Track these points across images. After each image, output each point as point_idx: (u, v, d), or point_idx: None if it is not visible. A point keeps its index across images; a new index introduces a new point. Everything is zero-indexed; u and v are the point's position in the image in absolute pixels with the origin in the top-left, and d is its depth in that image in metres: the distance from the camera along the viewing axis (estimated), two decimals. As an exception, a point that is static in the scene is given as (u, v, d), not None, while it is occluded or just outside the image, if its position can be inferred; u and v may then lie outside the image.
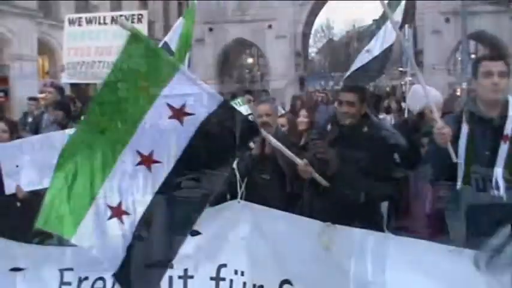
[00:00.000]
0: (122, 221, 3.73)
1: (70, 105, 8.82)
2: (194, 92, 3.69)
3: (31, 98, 11.93)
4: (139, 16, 7.69)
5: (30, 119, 10.36)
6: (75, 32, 7.97)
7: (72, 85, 8.45)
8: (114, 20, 7.79)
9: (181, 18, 8.41)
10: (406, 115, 9.17)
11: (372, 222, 4.38)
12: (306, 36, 45.15)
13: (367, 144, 4.53)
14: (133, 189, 3.74)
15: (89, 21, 7.96)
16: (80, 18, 8.15)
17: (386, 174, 4.52)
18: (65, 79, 7.95)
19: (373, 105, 9.01)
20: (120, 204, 3.73)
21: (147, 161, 3.68)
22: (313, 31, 56.88)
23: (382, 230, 4.10)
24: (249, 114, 5.79)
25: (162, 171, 3.69)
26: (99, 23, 7.88)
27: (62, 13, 30.25)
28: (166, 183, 3.69)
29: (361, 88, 4.97)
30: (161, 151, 3.69)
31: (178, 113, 3.65)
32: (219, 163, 3.74)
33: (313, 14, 44.94)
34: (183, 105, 3.65)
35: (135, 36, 3.74)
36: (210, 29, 41.46)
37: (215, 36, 41.40)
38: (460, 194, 3.82)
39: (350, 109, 4.56)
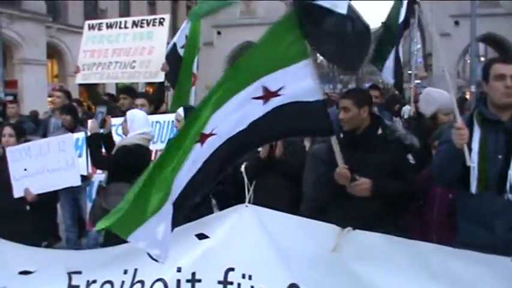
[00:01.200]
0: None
1: (77, 109, 8.86)
2: (302, 82, 3.67)
3: (11, 101, 11.95)
4: (161, 20, 7.76)
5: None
6: (94, 36, 8.01)
7: (83, 85, 8.43)
8: (135, 24, 7.84)
9: (186, 19, 8.43)
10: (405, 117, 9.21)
11: (394, 228, 4.30)
12: (314, 39, 45.12)
13: (383, 146, 4.51)
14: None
15: (110, 26, 8.00)
16: (101, 23, 8.19)
17: (404, 174, 4.48)
18: (79, 80, 7.99)
19: (386, 108, 8.97)
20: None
21: (204, 138, 3.59)
22: (321, 34, 56.85)
23: (405, 236, 4.05)
24: None
25: (215, 144, 3.62)
26: (120, 27, 7.92)
27: (71, 17, 30.53)
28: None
29: (358, 92, 4.99)
30: (223, 127, 3.62)
31: (269, 95, 3.63)
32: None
33: (322, 17, 44.88)
34: (280, 88, 3.64)
35: (293, 13, 3.68)
36: (219, 33, 41.58)
37: (223, 40, 41.52)
38: (473, 198, 3.77)
39: (345, 115, 4.56)
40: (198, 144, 3.55)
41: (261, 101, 3.65)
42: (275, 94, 3.64)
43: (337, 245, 3.69)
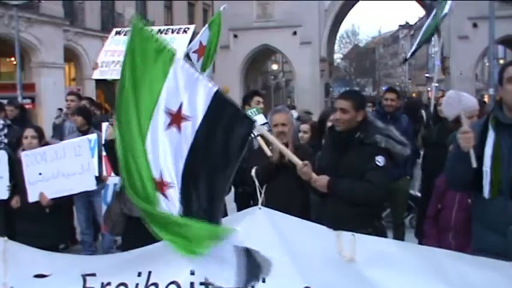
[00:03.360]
0: (166, 196, 3.76)
1: (89, 110, 8.87)
2: (190, 85, 3.68)
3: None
4: (186, 29, 7.94)
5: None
6: (119, 39, 8.21)
7: (100, 83, 8.59)
8: (160, 32, 8.02)
9: (206, 26, 8.47)
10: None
11: (371, 229, 4.40)
12: (331, 42, 45.10)
13: (359, 148, 4.57)
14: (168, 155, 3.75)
15: None
16: (128, 30, 8.42)
17: (367, 175, 4.50)
18: (96, 76, 8.11)
19: (408, 113, 8.89)
20: (161, 176, 3.76)
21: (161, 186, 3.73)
22: (338, 37, 56.83)
23: (384, 236, 4.10)
24: (265, 123, 5.77)
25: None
26: None
27: (88, 21, 30.75)
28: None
29: (356, 95, 4.99)
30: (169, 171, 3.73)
31: (176, 119, 3.67)
32: (223, 166, 3.69)
33: (338, 20, 44.88)
34: (180, 108, 3.67)
35: (135, 25, 3.75)
36: (235, 36, 41.65)
37: (240, 43, 41.58)
38: (486, 203, 3.71)
39: (342, 116, 4.62)
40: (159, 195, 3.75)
41: (174, 129, 3.69)
42: (181, 117, 3.66)
43: (341, 249, 3.67)
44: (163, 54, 3.71)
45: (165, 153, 3.74)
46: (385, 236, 4.53)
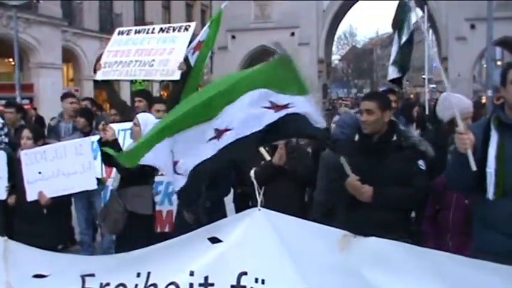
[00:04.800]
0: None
1: (92, 112, 8.86)
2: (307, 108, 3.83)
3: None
4: (187, 26, 7.97)
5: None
6: (121, 39, 8.24)
7: (101, 83, 8.52)
8: (162, 30, 8.03)
9: (206, 26, 8.48)
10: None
11: (405, 234, 4.30)
12: (328, 43, 45.13)
13: (397, 152, 4.46)
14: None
15: (138, 32, 8.26)
16: (130, 29, 8.47)
17: (412, 180, 4.42)
18: (98, 76, 8.12)
19: (404, 114, 8.93)
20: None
21: (219, 134, 3.88)
22: (336, 38, 56.89)
23: (417, 242, 4.02)
24: None
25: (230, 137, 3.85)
26: (147, 33, 8.14)
27: (86, 21, 30.73)
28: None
29: (381, 95, 4.90)
30: (238, 124, 3.83)
31: (278, 107, 3.79)
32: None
33: (336, 21, 44.93)
34: (287, 104, 3.79)
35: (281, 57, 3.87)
36: (233, 37, 41.70)
37: (238, 44, 41.64)
38: (490, 204, 3.70)
39: (369, 117, 4.47)
40: (215, 140, 3.87)
41: (271, 110, 3.81)
42: (285, 107, 3.80)
43: (344, 248, 3.67)
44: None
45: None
46: (419, 241, 4.47)
